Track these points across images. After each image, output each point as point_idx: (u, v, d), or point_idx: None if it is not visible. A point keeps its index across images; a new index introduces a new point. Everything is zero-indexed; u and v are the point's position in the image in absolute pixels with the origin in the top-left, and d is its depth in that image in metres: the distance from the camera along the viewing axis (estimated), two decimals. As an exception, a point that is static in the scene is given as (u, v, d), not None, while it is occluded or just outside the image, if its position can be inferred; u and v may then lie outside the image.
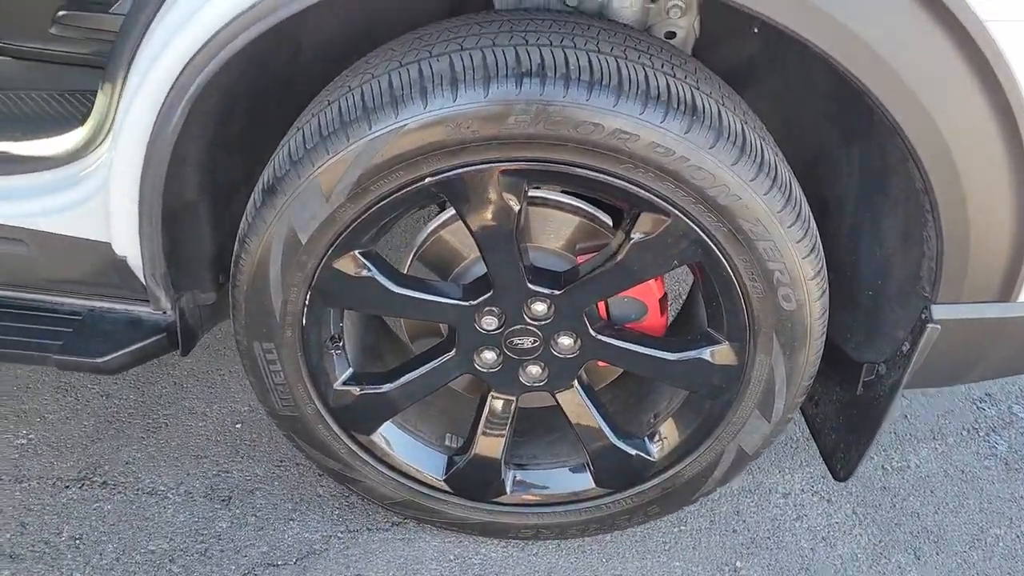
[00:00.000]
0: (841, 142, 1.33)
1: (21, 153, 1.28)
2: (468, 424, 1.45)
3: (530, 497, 1.50)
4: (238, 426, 1.77)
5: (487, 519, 1.51)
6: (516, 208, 1.15)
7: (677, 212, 1.12)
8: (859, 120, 1.25)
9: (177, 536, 1.54)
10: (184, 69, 1.07)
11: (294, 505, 1.61)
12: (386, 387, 1.36)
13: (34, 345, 1.35)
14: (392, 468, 1.45)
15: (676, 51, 1.17)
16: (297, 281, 1.21)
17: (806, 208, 1.16)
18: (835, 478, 1.46)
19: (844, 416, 1.45)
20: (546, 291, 1.25)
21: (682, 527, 1.62)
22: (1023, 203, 1.09)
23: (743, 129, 1.09)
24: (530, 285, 1.24)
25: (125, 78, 1.16)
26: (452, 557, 1.54)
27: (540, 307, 1.27)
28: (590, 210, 1.30)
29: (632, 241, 1.17)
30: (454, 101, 1.04)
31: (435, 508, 1.50)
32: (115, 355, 1.35)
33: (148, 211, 1.20)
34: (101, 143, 1.23)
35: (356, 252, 1.20)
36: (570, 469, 1.50)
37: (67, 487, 1.60)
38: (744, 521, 1.65)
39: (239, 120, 1.29)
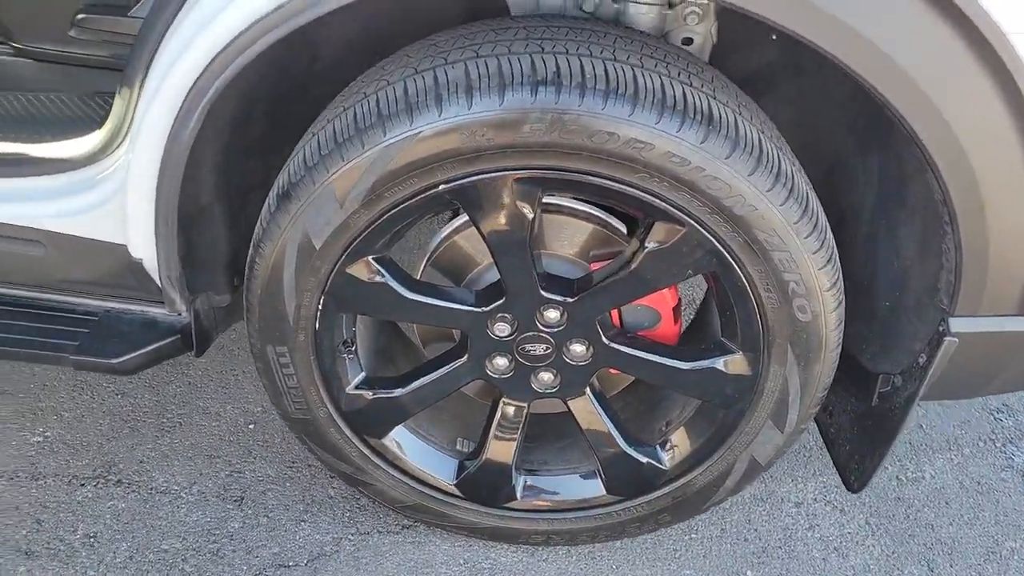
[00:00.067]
0: (858, 150, 1.32)
1: (39, 155, 1.29)
2: (479, 429, 1.45)
3: (541, 503, 1.50)
4: (251, 426, 1.78)
5: (497, 524, 1.51)
6: (530, 216, 1.15)
7: (692, 222, 1.11)
8: (876, 128, 1.23)
9: (190, 536, 1.55)
10: (202, 74, 1.07)
11: (305, 506, 1.62)
12: (398, 391, 1.37)
13: (51, 345, 1.36)
14: (403, 472, 1.45)
15: (693, 59, 1.16)
16: (311, 286, 1.21)
17: (823, 219, 1.15)
18: (848, 489, 1.45)
19: (858, 426, 1.44)
20: (559, 298, 1.25)
21: (693, 535, 1.62)
22: (1044, 215, 1.08)
23: (760, 139, 1.08)
24: (543, 292, 1.24)
25: (143, 82, 1.17)
26: (462, 561, 1.55)
27: (553, 314, 1.26)
28: (604, 217, 1.30)
29: (646, 250, 1.16)
30: (469, 109, 1.04)
31: (446, 512, 1.50)
32: (131, 356, 1.37)
33: (164, 214, 1.20)
34: (118, 146, 1.24)
35: (369, 258, 1.20)
36: (581, 475, 1.50)
37: (82, 485, 1.62)
38: (756, 530, 1.64)
39: (255, 124, 1.29)
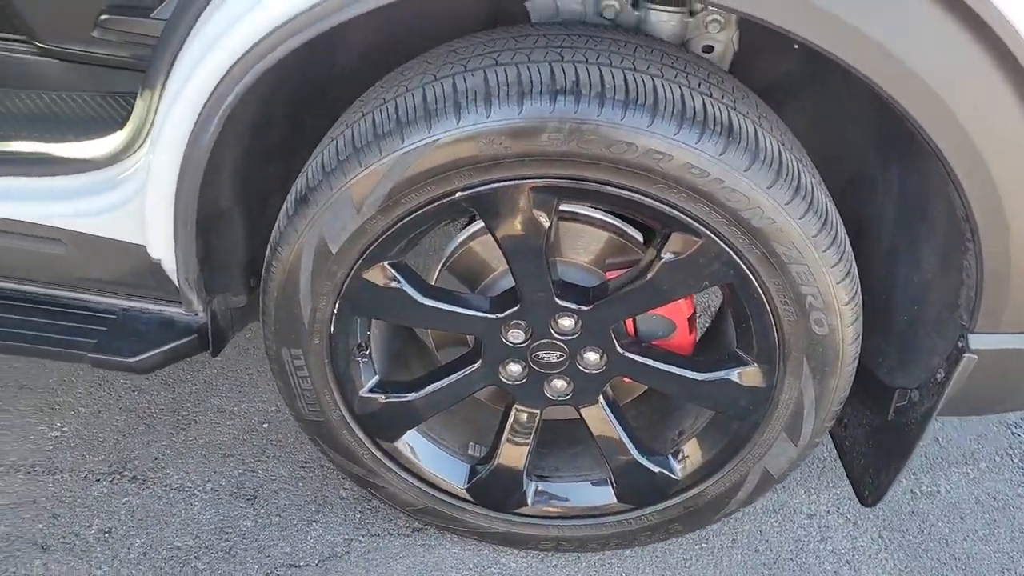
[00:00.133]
0: (880, 162, 1.30)
1: (61, 155, 1.31)
2: (492, 434, 1.46)
3: (551, 509, 1.50)
4: (265, 426, 1.79)
5: (508, 529, 1.51)
6: (546, 224, 1.14)
7: (709, 233, 1.10)
8: (898, 140, 1.22)
9: (203, 533, 1.56)
10: (223, 79, 1.08)
11: (317, 507, 1.63)
12: (411, 396, 1.37)
13: (70, 343, 1.38)
14: (415, 475, 1.46)
15: (714, 68, 1.15)
16: (326, 290, 1.22)
17: (842, 232, 1.14)
18: (862, 503, 1.43)
19: (874, 440, 1.43)
20: (574, 307, 1.24)
21: (703, 544, 1.61)
22: (1068, 234, 1.06)
23: (780, 151, 1.07)
24: (558, 300, 1.24)
25: (164, 84, 1.18)
26: (472, 566, 1.55)
27: (567, 322, 1.26)
28: (620, 226, 1.29)
29: (662, 260, 1.16)
30: (488, 117, 1.03)
31: (456, 516, 1.50)
32: (148, 355, 1.38)
33: (183, 217, 1.21)
34: (139, 147, 1.25)
35: (385, 263, 1.21)
36: (592, 483, 1.49)
37: (98, 480, 1.64)
38: (767, 541, 1.63)
39: (274, 128, 1.30)
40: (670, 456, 1.42)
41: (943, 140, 1.01)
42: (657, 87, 1.03)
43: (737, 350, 1.27)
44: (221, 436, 1.76)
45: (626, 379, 1.37)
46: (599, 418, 1.37)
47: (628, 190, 1.08)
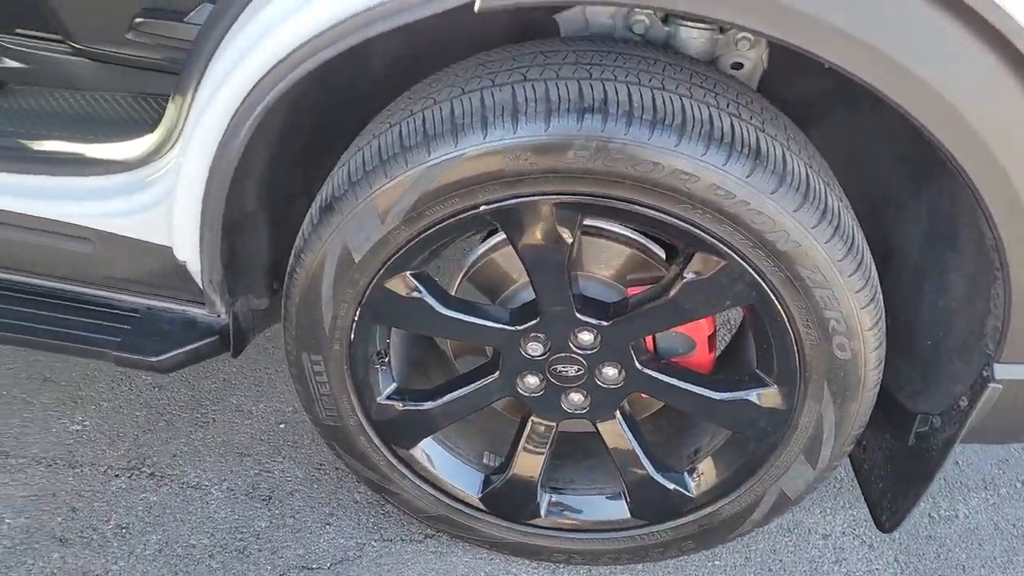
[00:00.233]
0: (910, 187, 1.29)
1: (93, 156, 1.32)
2: (507, 444, 1.46)
3: (564, 521, 1.49)
4: (282, 426, 1.81)
5: (520, 540, 1.51)
6: (569, 240, 1.14)
7: (733, 255, 1.10)
8: (929, 166, 1.21)
9: (218, 532, 1.58)
10: (255, 88, 1.09)
11: (331, 510, 1.64)
12: (428, 404, 1.37)
13: (95, 340, 1.40)
14: (429, 483, 1.46)
15: (743, 88, 1.15)
16: (348, 297, 1.23)
17: (868, 257, 1.13)
18: (880, 528, 1.42)
19: (893, 465, 1.41)
20: (594, 322, 1.24)
21: (716, 562, 1.60)
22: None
23: (807, 174, 1.06)
24: (578, 315, 1.24)
25: (196, 90, 1.19)
26: (483, 574, 1.55)
27: (586, 337, 1.26)
28: (643, 242, 1.29)
29: (684, 280, 1.15)
30: (514, 133, 1.04)
31: (469, 525, 1.51)
32: (170, 355, 1.39)
33: (210, 221, 1.23)
34: (169, 150, 1.26)
35: (407, 273, 1.21)
36: (606, 497, 1.49)
37: (117, 476, 1.66)
38: (780, 560, 1.61)
39: (302, 134, 1.31)
40: (685, 473, 1.41)
41: (975, 171, 1.00)
42: (685, 107, 1.03)
43: (757, 371, 1.26)
44: (238, 435, 1.77)
45: (643, 395, 1.37)
46: (615, 433, 1.37)
47: (653, 209, 1.08)
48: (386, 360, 1.36)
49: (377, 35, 1.04)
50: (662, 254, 1.30)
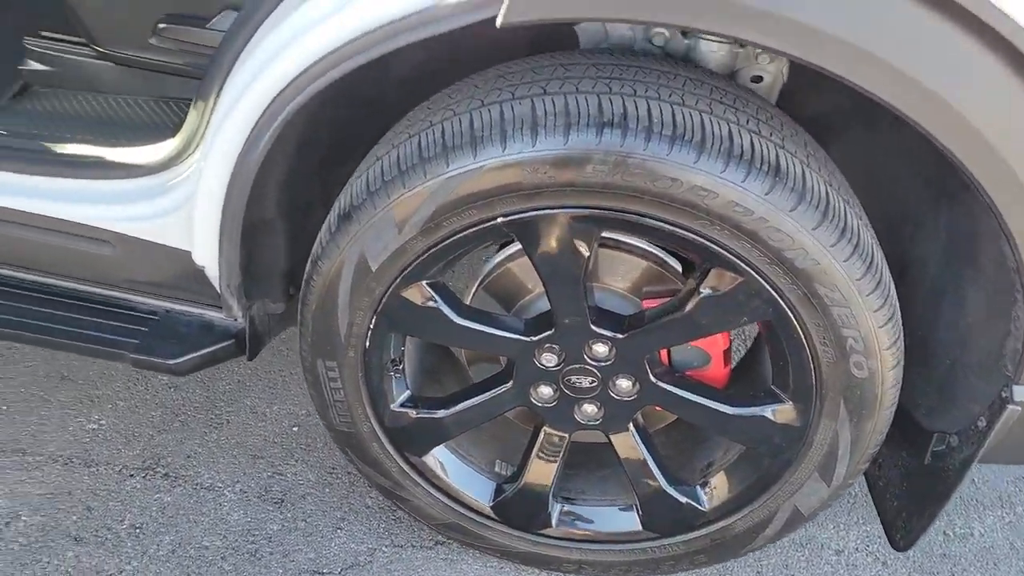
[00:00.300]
0: (930, 204, 1.28)
1: (115, 159, 1.34)
2: (519, 453, 1.46)
3: (575, 532, 1.49)
4: (295, 429, 1.81)
5: (530, 549, 1.51)
6: (585, 253, 1.14)
7: (751, 271, 1.09)
8: (950, 184, 1.19)
9: (230, 534, 1.59)
10: (277, 97, 1.10)
11: (343, 514, 1.64)
12: (441, 413, 1.38)
13: (113, 342, 1.41)
14: (441, 490, 1.47)
15: (763, 104, 1.14)
16: (364, 305, 1.23)
17: (887, 275, 1.12)
18: (894, 547, 1.40)
19: (909, 483, 1.40)
20: (609, 334, 1.24)
21: (728, 576, 1.59)
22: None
23: (827, 191, 1.06)
24: (593, 327, 1.24)
25: (217, 96, 1.20)
26: (493, 583, 1.55)
27: (601, 349, 1.26)
28: (659, 255, 1.28)
29: (701, 295, 1.15)
30: (533, 146, 1.04)
31: (480, 533, 1.51)
32: (187, 358, 1.41)
33: (229, 228, 1.24)
34: (189, 156, 1.27)
35: (423, 282, 1.21)
36: (618, 508, 1.49)
37: (131, 476, 1.67)
38: (793, 576, 1.61)
39: (321, 142, 1.32)
40: (698, 487, 1.40)
41: (997, 193, 0.99)
42: (705, 123, 1.02)
43: (773, 387, 1.25)
44: (252, 437, 1.78)
45: (657, 408, 1.36)
46: (628, 445, 1.37)
47: (670, 224, 1.07)
48: (400, 368, 1.37)
49: (399, 49, 1.04)
50: (678, 267, 1.30)
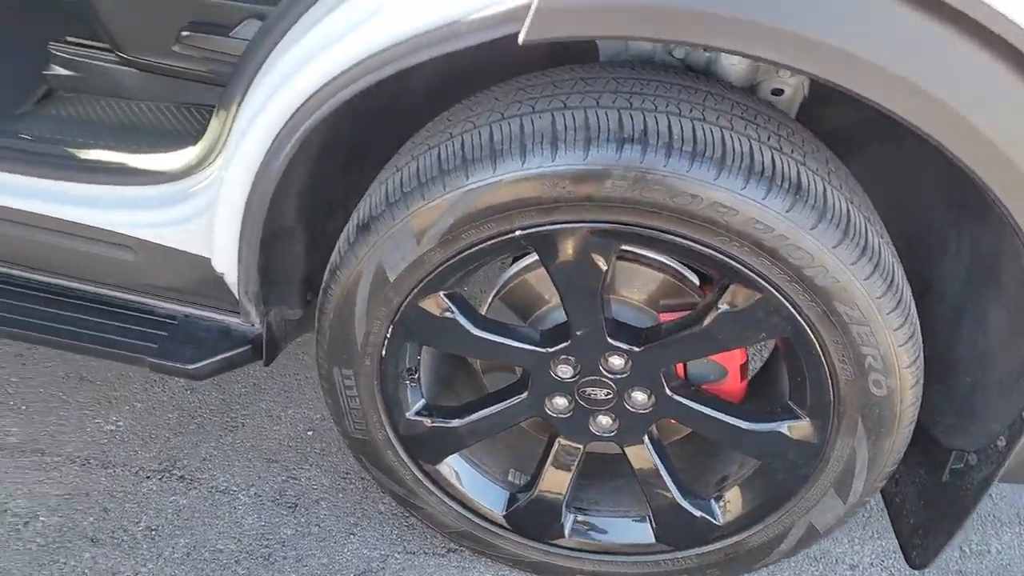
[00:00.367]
0: (951, 222, 1.27)
1: (137, 166, 1.35)
2: (533, 462, 1.46)
3: (588, 543, 1.49)
4: (310, 433, 1.82)
5: (543, 559, 1.51)
6: (603, 267, 1.14)
7: (770, 288, 1.09)
8: (973, 202, 1.18)
9: (244, 538, 1.60)
10: (300, 108, 1.10)
11: (356, 520, 1.65)
12: (456, 422, 1.38)
13: (132, 346, 1.42)
14: (454, 498, 1.47)
15: (784, 119, 1.13)
16: (381, 315, 1.24)
17: (907, 294, 1.11)
18: (910, 565, 1.39)
19: (926, 501, 1.39)
20: (625, 347, 1.24)
21: (740, 590, 1.58)
22: None
23: (848, 209, 1.05)
24: (609, 339, 1.23)
25: (239, 105, 1.21)
26: (504, 592, 1.55)
27: (617, 361, 1.26)
28: (677, 268, 1.28)
29: (719, 311, 1.15)
30: (552, 160, 1.04)
31: (492, 542, 1.51)
32: (205, 363, 1.42)
33: (249, 236, 1.24)
34: (210, 163, 1.28)
35: (441, 293, 1.22)
36: (631, 520, 1.48)
37: (148, 477, 1.69)
38: (806, 591, 1.60)
39: (340, 150, 1.32)
40: (712, 501, 1.40)
41: (1019, 212, 0.98)
42: (726, 139, 1.02)
43: (789, 402, 1.25)
44: (267, 441, 1.79)
45: (672, 420, 1.36)
46: (642, 458, 1.36)
47: (689, 240, 1.07)
48: (416, 376, 1.37)
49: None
50: (696, 280, 1.29)
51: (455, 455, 1.45)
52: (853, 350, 1.11)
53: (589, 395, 1.30)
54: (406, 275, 1.18)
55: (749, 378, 1.39)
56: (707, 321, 1.17)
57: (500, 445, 1.53)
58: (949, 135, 0.96)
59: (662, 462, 1.37)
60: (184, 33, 1.42)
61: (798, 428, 1.24)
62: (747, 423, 1.27)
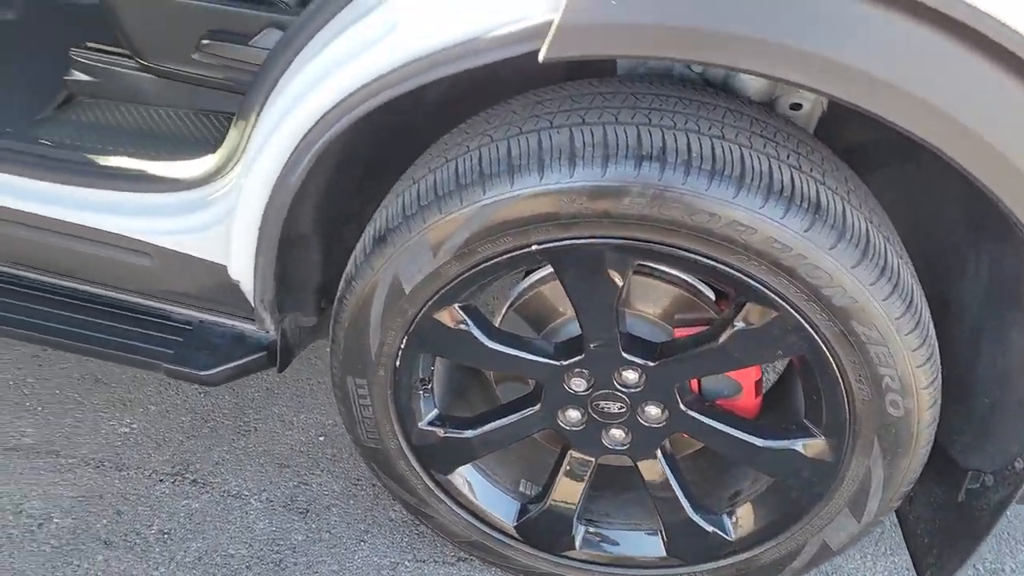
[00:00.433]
0: (972, 242, 1.25)
1: (156, 173, 1.36)
2: (544, 473, 1.46)
3: (599, 555, 1.49)
4: (321, 438, 1.83)
5: (553, 571, 1.51)
6: (619, 283, 1.14)
7: (787, 307, 1.08)
8: (994, 222, 1.17)
9: (256, 543, 1.61)
10: (316, 124, 1.11)
11: (366, 527, 1.65)
12: (468, 432, 1.38)
13: (148, 351, 1.43)
14: (465, 508, 1.47)
15: (804, 137, 1.13)
16: (396, 326, 1.24)
17: (926, 315, 1.10)
18: (923, 584, 1.38)
19: (941, 520, 1.37)
20: (639, 361, 1.23)
21: (751, 605, 1.57)
22: None
23: (868, 229, 1.04)
24: (624, 353, 1.23)
25: (258, 115, 1.22)
26: (514, 602, 1.55)
27: (631, 375, 1.25)
28: (692, 283, 1.28)
29: (735, 328, 1.14)
30: (570, 177, 1.03)
31: (503, 553, 1.51)
32: (219, 369, 1.43)
33: (266, 245, 1.25)
34: (228, 172, 1.29)
35: (456, 305, 1.22)
36: (642, 532, 1.48)
37: (161, 481, 1.70)
38: (818, 607, 1.59)
39: (357, 161, 1.33)
40: (725, 516, 1.39)
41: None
42: (745, 158, 1.01)
43: (805, 420, 1.24)
44: (279, 445, 1.80)
45: (685, 435, 1.35)
46: (655, 471, 1.36)
47: (706, 257, 1.07)
48: (429, 387, 1.37)
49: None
50: (712, 296, 1.29)
51: (467, 465, 1.45)
52: (870, 370, 1.10)
53: (602, 408, 1.30)
54: (421, 287, 1.18)
55: (763, 394, 1.38)
56: (723, 338, 1.16)
57: (512, 455, 1.53)
58: (974, 160, 0.95)
59: (674, 476, 1.36)
60: (204, 41, 1.43)
61: (813, 446, 1.23)
62: (761, 440, 1.26)
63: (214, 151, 1.32)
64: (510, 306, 1.38)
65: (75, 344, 1.46)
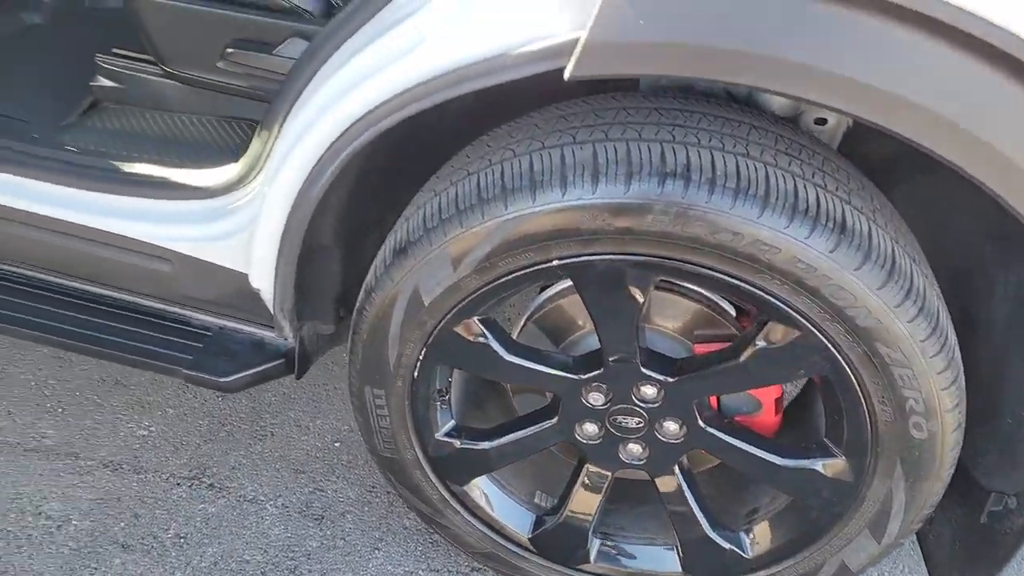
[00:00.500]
0: (998, 260, 1.24)
1: (179, 181, 1.37)
2: (560, 485, 1.45)
3: (613, 569, 1.48)
4: (337, 445, 1.83)
5: (567, 584, 1.50)
6: (640, 299, 1.13)
7: (810, 327, 1.07)
8: (1022, 243, 1.15)
9: (271, 549, 1.61)
10: (340, 137, 1.11)
11: (381, 535, 1.66)
12: (485, 444, 1.38)
13: (168, 357, 1.44)
14: (479, 519, 1.47)
15: (829, 154, 1.12)
16: (415, 337, 1.24)
17: (952, 337, 1.09)
18: (943, 607, 1.36)
19: (962, 542, 1.35)
20: (659, 377, 1.23)
21: (767, 622, 1.56)
22: None
23: (894, 250, 1.03)
24: (643, 369, 1.22)
25: (282, 125, 1.22)
26: (528, 614, 1.54)
27: (650, 391, 1.25)
28: (713, 299, 1.27)
29: (756, 347, 1.13)
30: (593, 193, 1.03)
31: (517, 564, 1.50)
32: (238, 376, 1.43)
33: (287, 254, 1.26)
34: (251, 181, 1.29)
35: (475, 319, 1.22)
36: (658, 547, 1.47)
37: (178, 484, 1.71)
38: (834, 626, 1.56)
39: (379, 172, 1.33)
40: (742, 533, 1.38)
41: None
42: (770, 176, 1.00)
43: (825, 440, 1.23)
44: (295, 451, 1.81)
45: (703, 451, 1.34)
46: (672, 486, 1.35)
47: (728, 276, 1.06)
48: (446, 398, 1.37)
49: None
50: (732, 312, 1.28)
51: (483, 476, 1.44)
52: (894, 392, 1.08)
53: (620, 423, 1.29)
54: (441, 300, 1.18)
55: (783, 412, 1.37)
56: (744, 356, 1.15)
57: (527, 467, 1.53)
58: (1004, 184, 0.93)
59: (692, 492, 1.35)
60: (228, 50, 1.43)
61: (833, 466, 1.22)
62: (781, 458, 1.25)
63: (237, 159, 1.33)
64: (529, 318, 1.38)
65: (96, 348, 1.47)
